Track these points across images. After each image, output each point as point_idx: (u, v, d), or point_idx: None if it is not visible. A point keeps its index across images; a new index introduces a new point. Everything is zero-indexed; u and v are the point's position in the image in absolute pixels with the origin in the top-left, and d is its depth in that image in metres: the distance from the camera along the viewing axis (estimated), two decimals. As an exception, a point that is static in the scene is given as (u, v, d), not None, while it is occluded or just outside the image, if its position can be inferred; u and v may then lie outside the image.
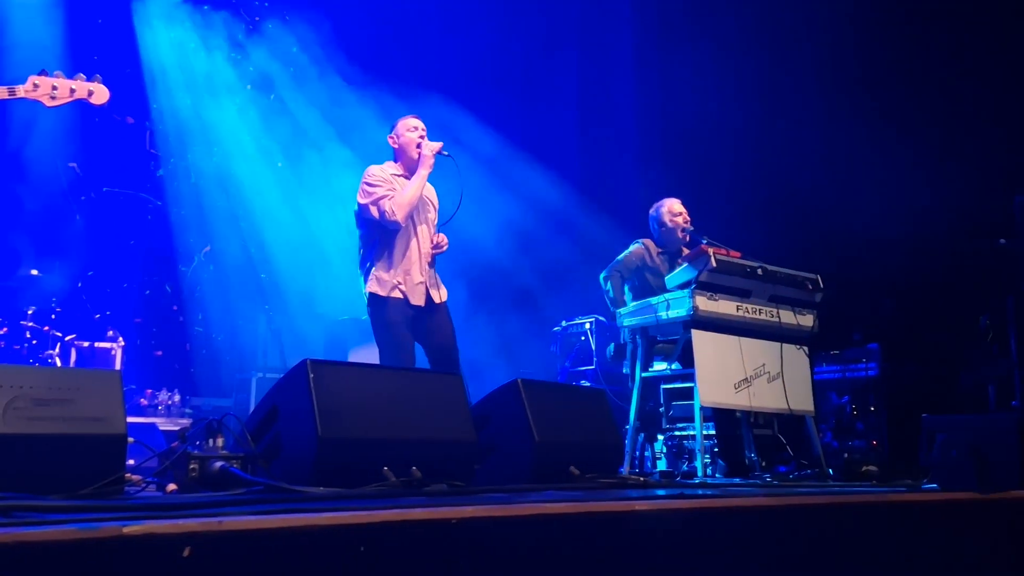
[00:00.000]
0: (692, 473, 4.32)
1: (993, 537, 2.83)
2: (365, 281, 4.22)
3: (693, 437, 4.44)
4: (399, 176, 4.27)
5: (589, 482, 2.99)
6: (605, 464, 3.29)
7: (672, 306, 4.27)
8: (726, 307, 4.26)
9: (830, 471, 4.48)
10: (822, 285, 4.59)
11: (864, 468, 4.47)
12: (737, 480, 4.19)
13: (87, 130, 7.03)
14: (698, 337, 4.16)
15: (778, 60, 7.22)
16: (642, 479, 3.24)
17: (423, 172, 4.18)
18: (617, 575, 1.95)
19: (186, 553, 1.26)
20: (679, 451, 4.97)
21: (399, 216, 4.10)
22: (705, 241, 4.63)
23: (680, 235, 4.98)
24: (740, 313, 4.33)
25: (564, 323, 6.96)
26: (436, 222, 4.39)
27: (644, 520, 2.06)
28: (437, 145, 4.22)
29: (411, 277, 4.17)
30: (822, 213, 6.94)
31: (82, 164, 6.95)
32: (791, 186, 7.14)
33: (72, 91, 3.43)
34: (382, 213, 4.10)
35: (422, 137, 4.28)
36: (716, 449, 4.72)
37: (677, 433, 5.04)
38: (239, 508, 1.65)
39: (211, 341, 7.50)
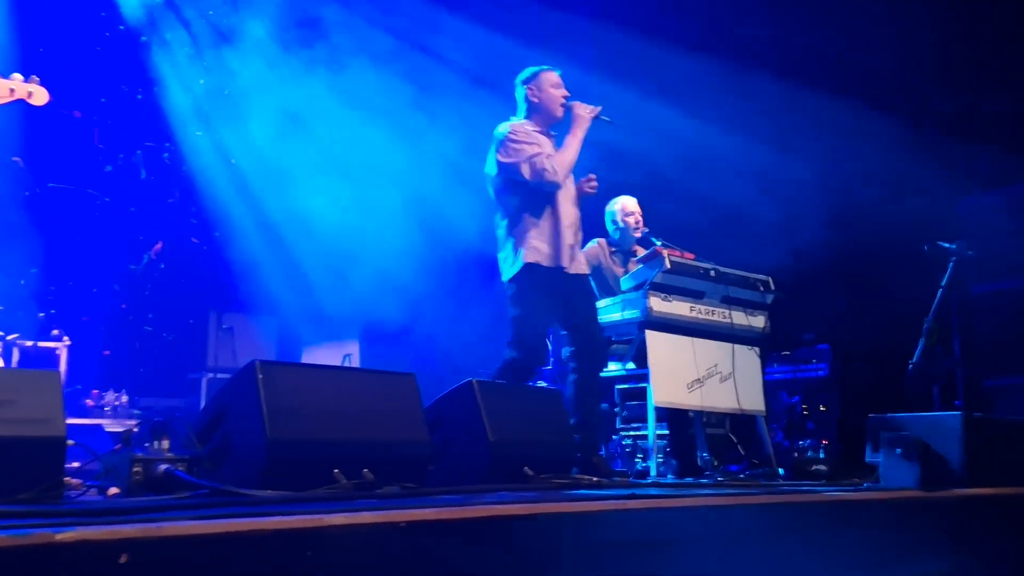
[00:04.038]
0: (645, 473, 4.35)
1: (936, 534, 2.90)
2: (515, 250, 3.89)
3: (646, 437, 4.46)
4: (536, 132, 3.95)
5: (543, 483, 2.99)
6: (559, 465, 3.29)
7: (626, 307, 4.29)
8: (680, 308, 4.30)
9: (780, 470, 4.55)
10: (773, 287, 4.65)
11: (813, 467, 4.55)
12: (689, 479, 4.23)
13: (32, 124, 6.83)
14: (652, 338, 4.19)
15: (723, 62, 7.29)
16: (595, 479, 3.25)
17: (580, 134, 3.90)
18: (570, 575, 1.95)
19: (123, 560, 1.22)
20: (633, 451, 5.00)
21: (560, 176, 3.81)
22: (659, 243, 4.67)
23: (633, 234, 5.02)
24: (693, 314, 4.36)
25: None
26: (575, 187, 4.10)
27: (597, 520, 2.06)
28: (597, 108, 3.96)
29: (564, 242, 3.88)
30: (773, 215, 7.04)
31: (26, 159, 6.76)
32: (742, 188, 7.23)
33: (11, 91, 3.34)
34: (540, 172, 3.78)
35: (566, 96, 4.00)
36: (669, 449, 4.75)
37: (631, 433, 5.07)
38: (180, 512, 1.61)
39: (161, 341, 7.34)
